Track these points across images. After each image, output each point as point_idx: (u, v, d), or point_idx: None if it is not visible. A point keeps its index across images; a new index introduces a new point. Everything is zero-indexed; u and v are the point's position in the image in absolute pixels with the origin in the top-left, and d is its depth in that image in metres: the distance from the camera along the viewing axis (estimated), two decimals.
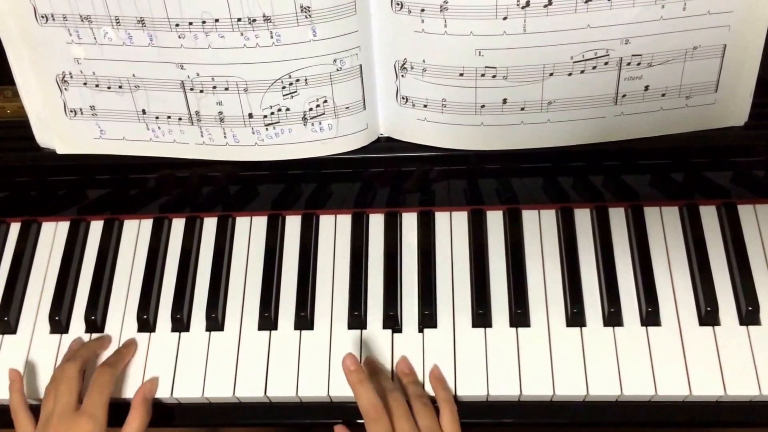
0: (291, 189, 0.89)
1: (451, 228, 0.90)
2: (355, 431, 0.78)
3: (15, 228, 0.94)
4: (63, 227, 0.94)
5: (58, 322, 0.87)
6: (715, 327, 0.82)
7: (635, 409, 0.81)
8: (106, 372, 0.79)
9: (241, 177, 0.87)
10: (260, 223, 0.92)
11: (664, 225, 0.88)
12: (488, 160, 0.81)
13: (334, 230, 0.91)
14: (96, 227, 0.94)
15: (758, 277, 0.84)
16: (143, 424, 0.79)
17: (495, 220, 0.90)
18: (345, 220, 0.91)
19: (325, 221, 0.92)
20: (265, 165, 0.82)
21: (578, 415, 0.82)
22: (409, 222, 0.91)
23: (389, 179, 0.85)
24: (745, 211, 0.88)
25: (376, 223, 0.91)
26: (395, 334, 0.84)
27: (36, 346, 0.87)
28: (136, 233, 0.93)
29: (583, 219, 0.89)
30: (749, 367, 0.79)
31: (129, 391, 0.83)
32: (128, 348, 0.85)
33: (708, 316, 0.82)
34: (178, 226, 0.93)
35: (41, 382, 0.84)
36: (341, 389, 0.81)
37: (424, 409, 0.77)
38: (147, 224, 0.93)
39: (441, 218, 0.91)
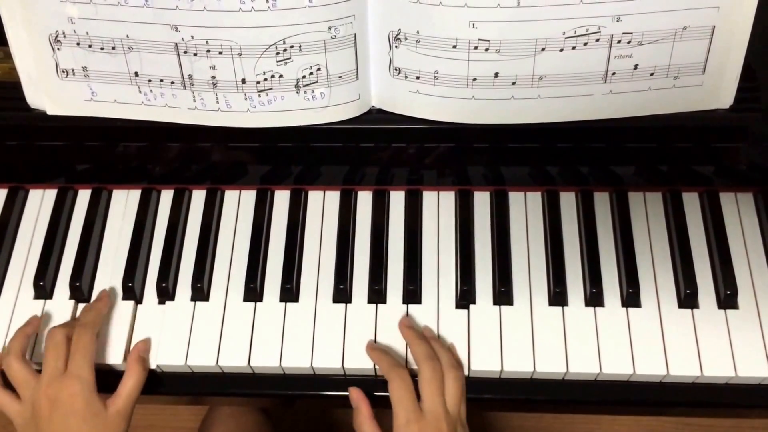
0: (281, 162, 0.89)
1: (438, 207, 0.91)
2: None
3: (1, 194, 0.94)
4: (50, 195, 0.93)
5: (42, 288, 0.87)
6: (694, 310, 0.83)
7: (613, 388, 0.82)
8: (86, 332, 0.79)
9: (231, 149, 0.87)
10: (249, 197, 0.92)
11: (647, 210, 0.89)
12: (478, 136, 0.82)
13: (323, 206, 0.92)
14: (84, 196, 0.93)
15: (737, 262, 0.85)
16: (139, 382, 0.79)
17: (482, 201, 0.91)
18: (333, 197, 0.92)
19: (314, 197, 0.92)
20: (256, 137, 0.82)
21: (557, 393, 0.83)
22: (397, 200, 0.91)
23: (379, 153, 0.86)
24: (726, 199, 0.89)
25: (364, 200, 0.92)
26: (379, 310, 0.85)
27: (19, 312, 0.86)
28: (124, 203, 0.93)
29: (568, 202, 0.90)
30: (726, 350, 0.81)
31: (114, 357, 0.83)
32: (102, 302, 0.84)
33: (687, 298, 0.83)
34: (166, 197, 0.93)
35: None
36: (325, 361, 0.81)
37: (455, 384, 0.76)
38: (135, 194, 0.93)
39: (428, 197, 0.91)
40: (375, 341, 0.83)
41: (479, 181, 0.90)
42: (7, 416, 0.79)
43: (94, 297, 0.87)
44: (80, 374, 0.76)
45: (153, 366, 0.83)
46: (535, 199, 0.91)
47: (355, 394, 0.79)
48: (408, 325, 0.82)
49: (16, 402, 0.79)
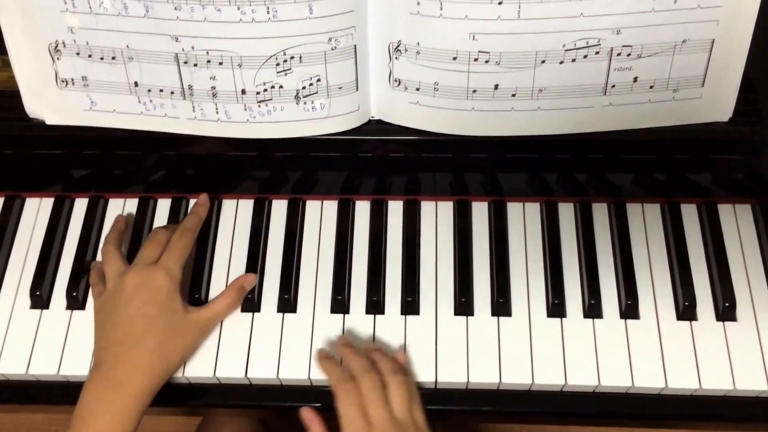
0: (279, 172, 0.89)
1: (437, 217, 0.91)
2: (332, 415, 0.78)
3: None
4: (47, 203, 0.93)
5: (39, 297, 0.86)
6: (693, 322, 0.83)
7: (612, 400, 0.82)
8: (187, 235, 0.83)
9: (229, 158, 0.87)
10: (246, 206, 0.92)
11: (645, 221, 0.90)
12: (477, 147, 0.82)
13: (321, 215, 0.91)
14: (81, 204, 0.93)
15: (735, 274, 0.85)
16: (230, 305, 0.83)
17: (480, 211, 0.91)
18: (331, 206, 0.92)
19: (312, 206, 0.92)
20: (254, 146, 0.82)
21: (555, 405, 0.82)
22: (395, 210, 0.91)
23: (378, 163, 0.86)
24: (724, 211, 0.89)
25: (362, 210, 0.91)
26: (377, 320, 0.84)
27: (15, 322, 0.86)
28: (121, 212, 0.93)
29: (566, 213, 0.90)
30: (724, 362, 0.81)
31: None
32: (203, 206, 0.88)
33: (686, 310, 0.83)
34: (163, 206, 0.93)
35: (20, 356, 0.83)
36: (322, 374, 0.81)
37: (399, 390, 0.75)
38: (132, 203, 0.93)
39: (427, 207, 0.91)
40: None
41: (478, 191, 0.90)
42: (106, 274, 0.83)
43: (89, 306, 0.86)
44: (171, 268, 0.80)
45: None
46: (533, 209, 0.91)
47: (307, 415, 0.78)
48: (343, 344, 0.81)
49: (104, 285, 0.82)
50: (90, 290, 0.86)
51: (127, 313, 0.78)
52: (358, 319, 0.84)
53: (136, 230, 0.91)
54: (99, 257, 0.89)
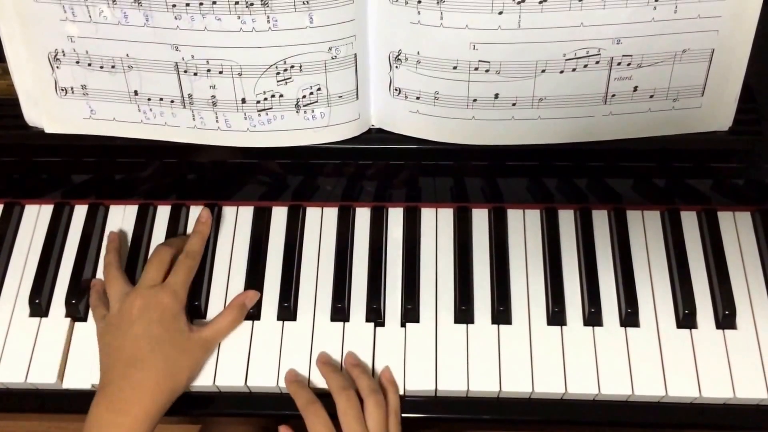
0: (279, 179, 0.89)
1: (437, 224, 0.91)
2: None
3: None
4: (46, 210, 0.93)
5: (38, 305, 0.86)
6: (693, 330, 0.83)
7: (612, 408, 0.82)
8: (193, 257, 0.84)
9: (229, 165, 0.87)
10: (247, 213, 0.92)
11: (645, 229, 0.90)
12: (477, 155, 0.82)
13: (321, 223, 0.91)
14: (80, 211, 0.93)
15: (735, 282, 0.85)
16: (233, 322, 0.83)
17: (480, 218, 0.91)
18: (331, 213, 0.92)
19: (312, 213, 0.92)
20: (254, 154, 0.82)
21: (555, 413, 0.82)
22: (395, 217, 0.91)
23: (378, 172, 0.86)
24: (724, 218, 0.89)
25: (363, 217, 0.91)
26: (377, 328, 0.84)
27: (14, 330, 0.86)
28: (121, 219, 0.92)
29: (567, 220, 0.90)
30: (724, 370, 0.81)
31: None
32: (205, 225, 0.88)
33: (685, 319, 0.83)
34: (163, 213, 0.93)
35: (19, 364, 0.83)
36: (322, 381, 0.81)
37: (376, 410, 0.76)
38: (132, 210, 0.93)
39: (427, 214, 0.91)
40: (373, 360, 0.82)
41: (478, 198, 0.90)
42: (109, 296, 0.83)
43: (90, 316, 0.86)
44: (177, 290, 0.80)
45: None
46: (533, 216, 0.91)
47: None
48: (323, 361, 0.81)
49: (106, 308, 0.82)
50: (91, 308, 0.85)
51: (133, 335, 0.77)
52: (358, 327, 0.84)
53: (136, 237, 0.91)
54: (99, 273, 0.89)
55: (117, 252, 0.87)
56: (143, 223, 0.91)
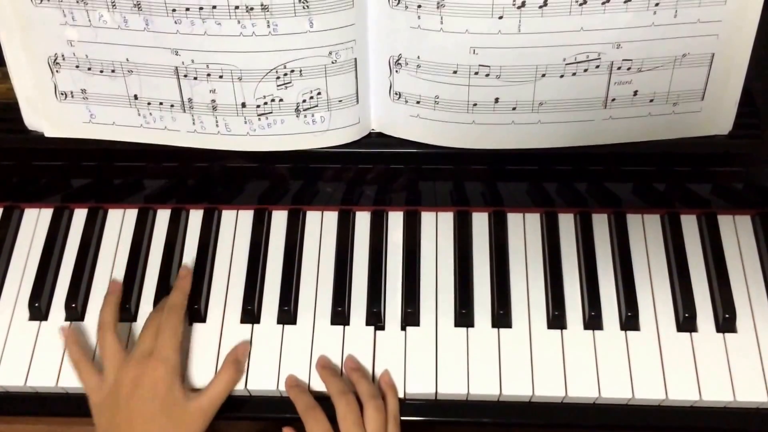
0: (279, 183, 0.89)
1: (437, 228, 0.91)
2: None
3: None
4: (46, 214, 0.93)
5: (38, 309, 0.86)
6: (693, 333, 0.83)
7: (612, 412, 0.82)
8: (174, 313, 0.80)
9: (229, 169, 0.86)
10: (246, 217, 0.92)
11: (645, 232, 0.90)
12: (477, 159, 0.82)
13: (321, 227, 0.91)
14: (80, 215, 0.93)
15: (735, 285, 0.85)
16: (232, 382, 0.79)
17: (480, 222, 0.91)
18: (331, 217, 0.92)
19: (312, 217, 0.92)
20: (254, 157, 0.82)
21: (556, 417, 0.82)
22: (396, 221, 0.91)
23: (378, 176, 0.86)
24: (724, 222, 0.89)
25: (363, 220, 0.91)
26: (378, 331, 0.84)
27: (14, 334, 0.86)
28: (120, 223, 0.92)
29: (567, 224, 0.90)
30: (724, 374, 0.81)
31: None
32: (185, 280, 0.85)
33: (686, 322, 0.83)
34: (163, 217, 0.93)
35: (18, 368, 0.83)
36: (322, 384, 0.81)
37: (375, 414, 0.76)
38: (132, 214, 0.93)
39: (427, 218, 0.91)
40: (373, 363, 0.82)
41: (478, 202, 0.90)
42: (84, 389, 0.79)
43: (87, 318, 0.86)
44: (167, 355, 0.76)
45: None
46: (533, 220, 0.91)
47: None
48: (323, 365, 0.81)
49: (97, 376, 0.79)
50: (81, 371, 0.80)
51: (129, 412, 0.74)
52: (358, 331, 0.84)
53: (136, 241, 0.90)
54: (98, 277, 0.88)
55: (116, 307, 0.83)
56: (143, 227, 0.91)
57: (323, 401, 0.79)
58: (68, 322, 0.86)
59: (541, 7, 0.69)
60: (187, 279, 0.85)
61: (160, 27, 0.72)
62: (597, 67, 0.73)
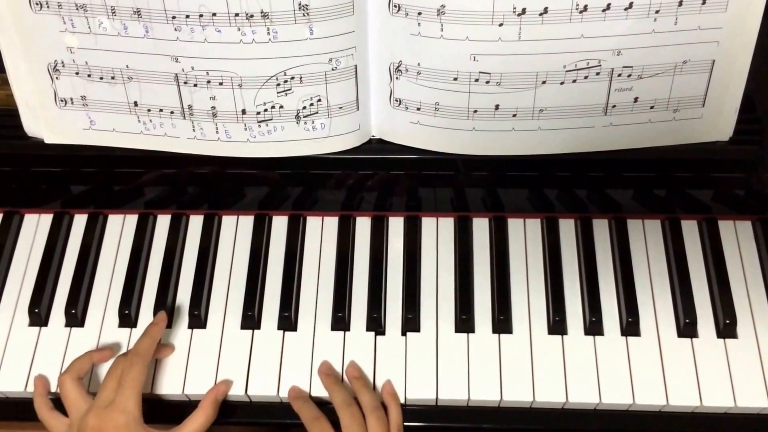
0: (279, 189, 0.89)
1: (437, 234, 0.91)
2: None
3: None
4: (46, 220, 0.93)
5: (37, 315, 0.86)
6: (693, 339, 0.83)
7: (613, 417, 0.82)
8: (136, 363, 0.77)
9: (229, 175, 0.86)
10: (247, 222, 0.92)
11: (646, 238, 0.89)
12: (477, 165, 0.82)
13: (321, 232, 0.91)
14: (80, 221, 0.93)
15: (736, 291, 0.85)
16: (207, 423, 0.78)
17: (481, 228, 0.91)
18: (332, 223, 0.91)
19: (312, 223, 0.92)
20: (254, 163, 0.82)
21: (556, 422, 0.82)
22: (396, 226, 0.91)
23: (379, 182, 0.86)
24: (725, 227, 0.89)
25: (363, 226, 0.91)
26: (378, 337, 0.84)
27: (13, 339, 0.86)
28: (120, 228, 0.92)
29: (567, 229, 0.90)
30: (725, 379, 0.81)
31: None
32: (157, 326, 0.82)
33: (686, 328, 0.83)
34: (163, 222, 0.93)
35: (18, 373, 0.83)
36: (323, 390, 0.81)
37: (379, 426, 0.76)
38: (132, 220, 0.93)
39: (427, 224, 0.91)
40: (374, 369, 0.82)
41: (478, 207, 0.90)
42: None
43: (87, 324, 0.86)
44: (126, 407, 0.74)
45: (149, 393, 0.82)
46: (534, 226, 0.91)
47: None
48: (326, 372, 0.81)
49: (63, 424, 0.78)
50: (47, 421, 0.80)
51: None
52: (358, 337, 0.84)
53: (136, 247, 0.90)
54: (97, 282, 0.89)
55: (89, 362, 0.82)
56: (143, 233, 0.91)
57: (323, 406, 0.79)
58: (68, 328, 0.86)
59: (541, 14, 0.69)
60: (160, 326, 0.82)
61: (160, 34, 0.72)
62: (597, 74, 0.73)
